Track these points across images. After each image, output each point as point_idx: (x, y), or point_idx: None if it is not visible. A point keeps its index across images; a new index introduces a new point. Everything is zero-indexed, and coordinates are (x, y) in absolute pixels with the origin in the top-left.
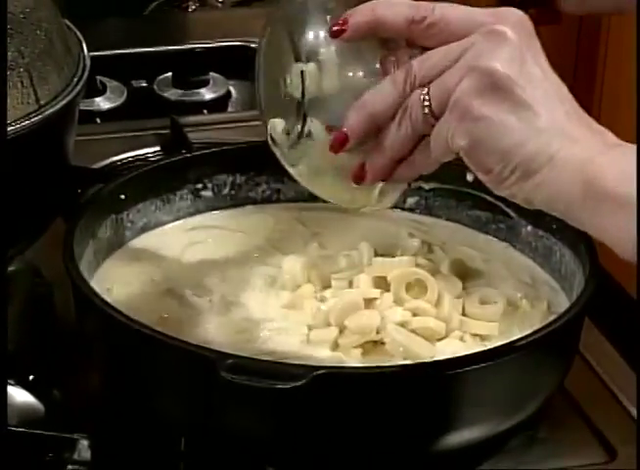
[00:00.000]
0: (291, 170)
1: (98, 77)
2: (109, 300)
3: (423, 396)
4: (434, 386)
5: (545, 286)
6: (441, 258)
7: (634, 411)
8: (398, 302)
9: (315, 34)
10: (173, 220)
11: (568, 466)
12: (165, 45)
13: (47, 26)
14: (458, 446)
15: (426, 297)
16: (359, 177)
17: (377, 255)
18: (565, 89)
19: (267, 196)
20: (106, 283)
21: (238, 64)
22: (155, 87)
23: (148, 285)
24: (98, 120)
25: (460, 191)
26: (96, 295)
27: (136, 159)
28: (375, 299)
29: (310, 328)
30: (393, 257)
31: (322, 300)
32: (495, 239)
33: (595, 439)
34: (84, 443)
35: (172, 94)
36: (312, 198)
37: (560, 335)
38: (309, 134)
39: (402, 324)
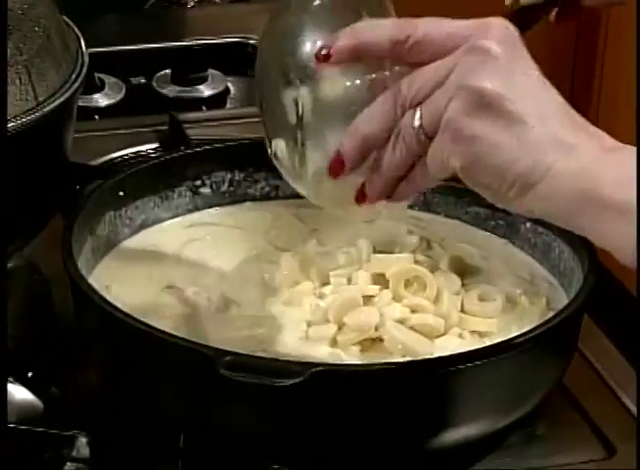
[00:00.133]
0: (296, 186)
1: (96, 74)
2: (107, 297)
3: (421, 393)
4: (433, 383)
5: (544, 282)
6: (440, 254)
7: (633, 408)
8: (397, 298)
9: (305, 58)
10: (172, 217)
11: (566, 463)
12: (164, 41)
13: (45, 23)
14: (457, 443)
15: (424, 293)
16: (361, 199)
17: (375, 251)
18: (556, 94)
19: (266, 193)
20: (104, 280)
21: (237, 60)
22: (153, 84)
23: (146, 282)
24: (96, 117)
25: (459, 188)
26: (94, 292)
27: (135, 155)
28: (373, 295)
29: (309, 325)
30: (392, 253)
31: (321, 296)
32: (494, 235)
33: (594, 435)
34: (83, 440)
35: (171, 90)
36: None
37: (559, 331)
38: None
39: (401, 321)
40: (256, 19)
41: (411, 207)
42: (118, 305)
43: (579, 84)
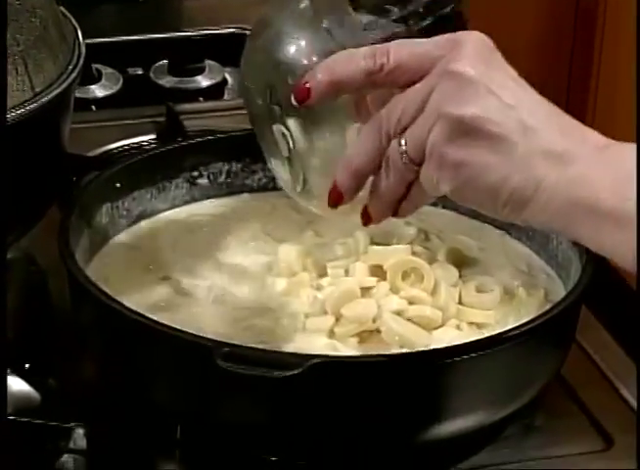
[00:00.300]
0: (298, 200)
1: (93, 65)
2: (104, 288)
3: (419, 384)
4: (431, 374)
5: (542, 274)
6: (438, 246)
7: (631, 399)
8: (395, 290)
9: (288, 90)
10: (169, 208)
11: (564, 454)
12: (161, 32)
13: (42, 14)
14: (454, 435)
15: (422, 285)
16: (366, 220)
17: (373, 243)
18: (538, 99)
19: (263, 184)
20: (101, 271)
21: (234, 51)
22: (150, 75)
23: (143, 273)
24: (93, 108)
25: None
26: (91, 283)
27: (132, 146)
28: (371, 287)
29: (306, 316)
30: (389, 245)
31: (318, 288)
32: (492, 227)
33: (592, 427)
34: (80, 431)
35: (168, 81)
36: None
37: (557, 323)
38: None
39: (398, 313)
40: (254, 9)
41: None
42: (115, 297)
43: (576, 83)
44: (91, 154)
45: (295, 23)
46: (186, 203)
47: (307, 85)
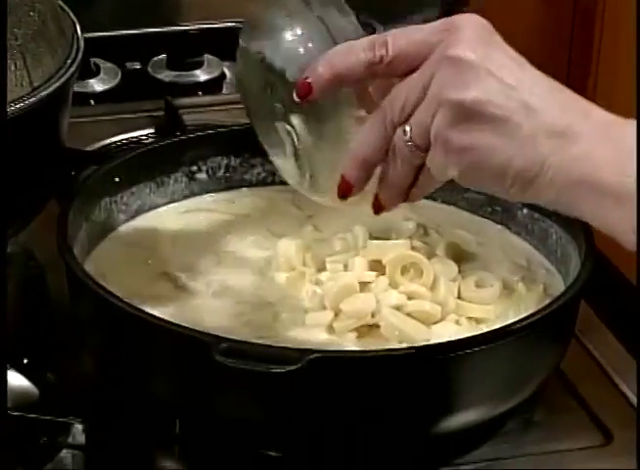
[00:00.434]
0: (306, 194)
1: (92, 59)
2: (102, 283)
3: (418, 379)
4: (430, 369)
5: (541, 269)
6: (437, 240)
7: (630, 394)
8: (394, 285)
9: (289, 87)
10: (168, 203)
11: (564, 449)
12: (160, 26)
13: (40, 8)
14: (454, 430)
15: (421, 280)
16: (378, 209)
17: (372, 237)
18: (537, 75)
19: (262, 178)
20: (100, 266)
21: (232, 45)
22: (149, 69)
23: (142, 268)
24: (92, 102)
25: None
26: (90, 278)
27: (130, 141)
28: (370, 282)
29: (305, 311)
30: (389, 239)
31: (317, 283)
32: (491, 222)
33: (591, 422)
34: (79, 426)
35: (166, 76)
36: None
37: (556, 318)
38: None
39: (398, 307)
40: (253, 3)
41: None
42: (114, 292)
43: (575, 69)
44: (90, 148)
45: (286, 15)
46: (185, 197)
47: (308, 80)
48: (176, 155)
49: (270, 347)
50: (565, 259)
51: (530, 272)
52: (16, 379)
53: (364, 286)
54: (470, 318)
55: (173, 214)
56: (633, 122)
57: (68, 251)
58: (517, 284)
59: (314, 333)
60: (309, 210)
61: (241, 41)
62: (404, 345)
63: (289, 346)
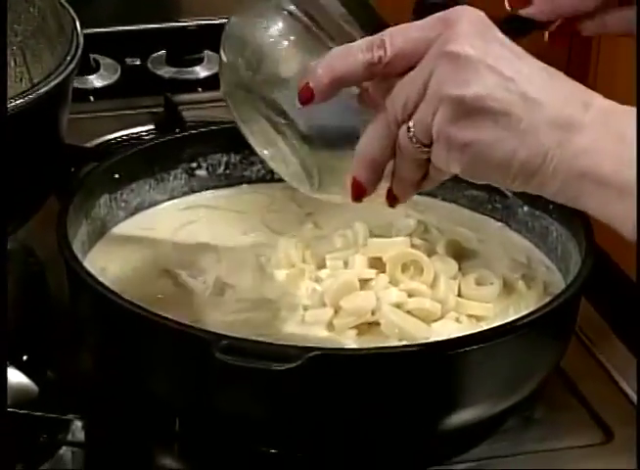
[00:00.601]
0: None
1: (91, 55)
2: (102, 280)
3: (418, 377)
4: (430, 367)
5: (541, 266)
6: (437, 238)
7: (631, 392)
8: (394, 282)
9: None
10: (167, 200)
11: (564, 447)
12: (159, 22)
13: (40, 4)
14: (454, 427)
15: (421, 278)
16: (392, 202)
17: (372, 235)
18: (535, 64)
19: (262, 175)
20: (99, 263)
21: None
22: (148, 65)
23: (142, 265)
24: (91, 98)
25: None
26: (89, 275)
27: (130, 137)
28: (370, 279)
29: (305, 309)
30: (389, 237)
31: (317, 280)
32: (491, 219)
33: (591, 420)
34: (78, 424)
35: (166, 72)
36: None
37: (556, 316)
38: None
39: (398, 305)
40: None
41: None
42: (114, 289)
43: (574, 66)
44: (89, 144)
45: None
46: (185, 194)
47: (309, 85)
48: (176, 151)
49: (270, 344)
50: (565, 257)
51: (531, 270)
52: (15, 376)
53: (364, 283)
54: (470, 316)
55: (173, 211)
56: (633, 110)
57: (68, 248)
58: (517, 282)
59: (314, 330)
60: (309, 207)
61: (223, 52)
62: (404, 342)
63: (289, 343)
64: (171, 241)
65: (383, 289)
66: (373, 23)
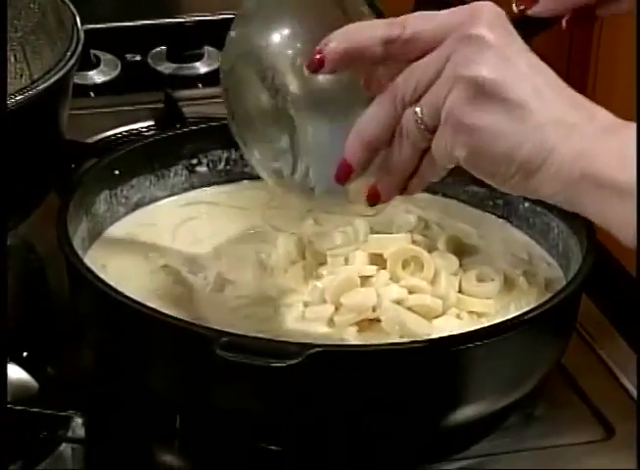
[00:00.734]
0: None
1: (91, 51)
2: (102, 276)
3: (419, 374)
4: (431, 364)
5: (542, 263)
6: (438, 234)
7: (632, 388)
8: (395, 279)
9: (291, 72)
10: (168, 196)
11: (565, 444)
12: (160, 18)
13: (40, 0)
14: (455, 424)
15: (422, 274)
16: (374, 199)
17: (372, 231)
18: (551, 72)
19: None
20: (100, 259)
21: None
22: (149, 61)
23: (142, 261)
24: (92, 94)
25: (456, 167)
26: (89, 271)
27: (130, 133)
28: (371, 276)
29: (306, 305)
30: (389, 233)
31: (318, 277)
32: (492, 215)
33: (593, 416)
34: (78, 420)
35: (166, 68)
36: None
37: (557, 312)
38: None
39: (398, 302)
40: None
41: None
42: (114, 285)
43: (574, 71)
44: (89, 140)
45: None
46: (185, 190)
47: (321, 54)
48: (176, 147)
49: (271, 341)
50: (566, 253)
51: (532, 266)
52: (15, 372)
53: (365, 280)
54: (471, 312)
55: (173, 207)
56: (634, 125)
57: (68, 244)
58: (518, 278)
59: (315, 327)
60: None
61: (232, 32)
62: (405, 339)
63: (289, 340)
64: (172, 237)
65: (383, 285)
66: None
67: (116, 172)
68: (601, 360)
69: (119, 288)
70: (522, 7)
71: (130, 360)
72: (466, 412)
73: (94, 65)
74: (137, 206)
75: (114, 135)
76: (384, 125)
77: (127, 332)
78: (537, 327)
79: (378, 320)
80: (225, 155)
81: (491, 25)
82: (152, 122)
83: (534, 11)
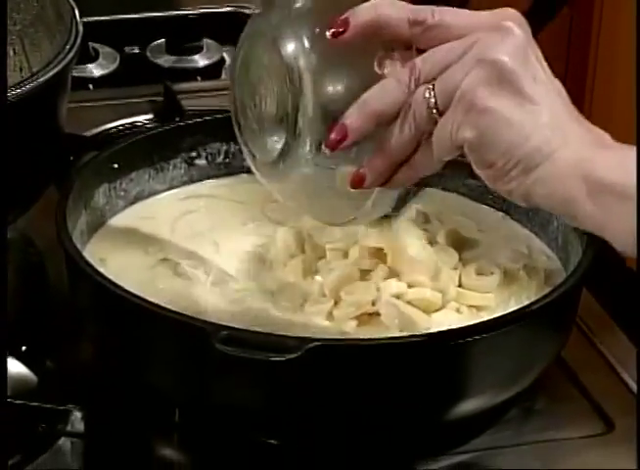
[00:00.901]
0: (271, 188)
1: (90, 44)
2: (101, 270)
3: (419, 367)
4: (430, 358)
5: (542, 256)
6: (437, 228)
7: (632, 383)
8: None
9: (304, 42)
10: (167, 189)
11: (565, 438)
12: (159, 11)
13: None
14: (455, 418)
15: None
16: (358, 182)
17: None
18: (563, 91)
19: None
20: (99, 253)
21: (232, 30)
22: (148, 53)
23: (141, 255)
24: (90, 87)
25: (456, 160)
26: (89, 265)
27: (129, 126)
28: (370, 270)
29: (305, 299)
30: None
31: (317, 271)
32: (492, 209)
33: (592, 410)
34: (77, 414)
35: (165, 60)
36: None
37: (557, 306)
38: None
39: (398, 296)
40: None
41: None
42: (113, 279)
43: (572, 82)
44: (88, 133)
45: None
46: (184, 183)
47: (346, 21)
48: (175, 141)
49: (270, 335)
50: (565, 247)
51: (531, 260)
52: (14, 366)
53: (364, 274)
54: (470, 306)
55: (172, 201)
56: (632, 148)
57: (67, 237)
58: (518, 272)
59: (314, 321)
60: None
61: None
62: (404, 333)
63: (289, 334)
64: (171, 231)
65: (383, 279)
66: None
67: (115, 166)
68: (601, 354)
69: (118, 281)
70: None
71: (129, 354)
72: (466, 406)
73: (93, 57)
74: (136, 199)
75: (114, 128)
76: (391, 99)
77: (126, 326)
78: (537, 321)
79: (377, 314)
80: (224, 148)
81: (520, 24)
82: (151, 115)
83: None
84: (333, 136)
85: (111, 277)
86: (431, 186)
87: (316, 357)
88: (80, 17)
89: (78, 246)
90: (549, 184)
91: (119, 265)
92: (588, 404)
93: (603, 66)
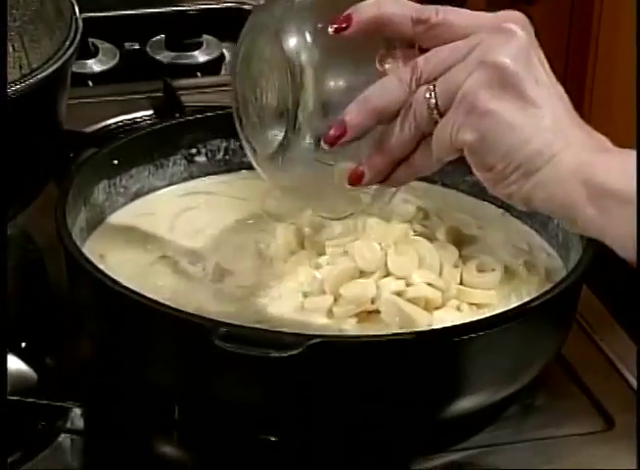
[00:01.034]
0: (271, 183)
1: (90, 39)
2: (101, 267)
3: (419, 364)
4: (431, 355)
5: (543, 253)
6: (437, 224)
7: (632, 380)
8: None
9: (307, 37)
10: (167, 186)
11: (565, 435)
12: (158, 7)
13: None
14: (455, 415)
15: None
16: (356, 180)
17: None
18: (565, 95)
19: None
20: (98, 250)
21: (231, 26)
22: (147, 49)
23: (141, 252)
24: (90, 83)
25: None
26: (88, 262)
27: (129, 122)
28: None
29: (305, 296)
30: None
31: (317, 267)
32: (492, 205)
33: (592, 407)
34: (77, 411)
35: (165, 56)
36: None
37: (557, 303)
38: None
39: (398, 293)
40: None
41: None
42: (112, 276)
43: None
44: (88, 130)
45: None
46: (184, 180)
47: (349, 15)
48: (175, 137)
49: (270, 331)
50: (566, 243)
51: (532, 256)
52: (14, 363)
53: (364, 271)
54: (471, 304)
55: (172, 197)
56: (632, 153)
57: (67, 234)
58: (518, 268)
59: (314, 317)
60: None
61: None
62: (405, 330)
63: (288, 331)
64: (170, 227)
65: (382, 277)
66: None
67: (115, 162)
68: (601, 351)
69: (118, 278)
70: None
71: (129, 351)
72: (466, 403)
73: (92, 53)
74: (136, 195)
75: (113, 124)
76: (392, 98)
77: (126, 323)
78: (537, 318)
79: (377, 312)
80: (224, 144)
81: (524, 26)
82: (151, 112)
83: None
84: (332, 132)
85: (110, 274)
86: (430, 182)
87: (317, 354)
88: (80, 13)
89: (78, 242)
90: (549, 188)
91: (119, 262)
92: (588, 401)
93: (602, 66)
